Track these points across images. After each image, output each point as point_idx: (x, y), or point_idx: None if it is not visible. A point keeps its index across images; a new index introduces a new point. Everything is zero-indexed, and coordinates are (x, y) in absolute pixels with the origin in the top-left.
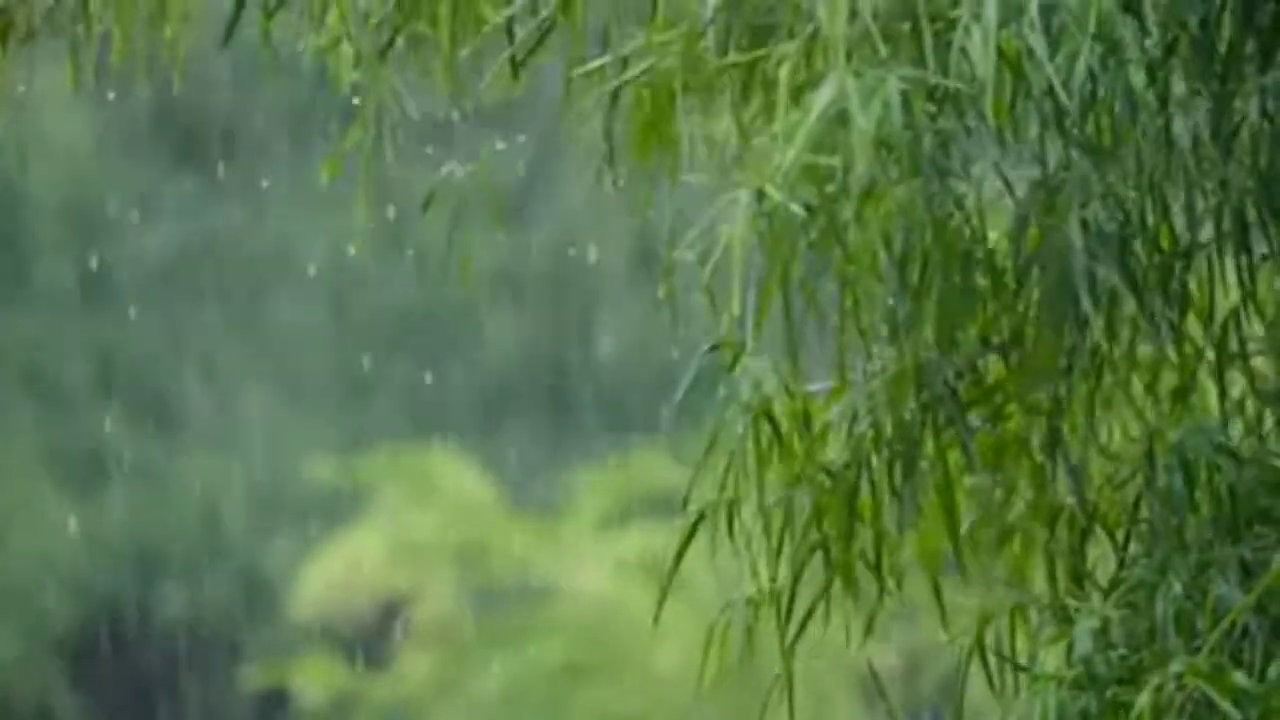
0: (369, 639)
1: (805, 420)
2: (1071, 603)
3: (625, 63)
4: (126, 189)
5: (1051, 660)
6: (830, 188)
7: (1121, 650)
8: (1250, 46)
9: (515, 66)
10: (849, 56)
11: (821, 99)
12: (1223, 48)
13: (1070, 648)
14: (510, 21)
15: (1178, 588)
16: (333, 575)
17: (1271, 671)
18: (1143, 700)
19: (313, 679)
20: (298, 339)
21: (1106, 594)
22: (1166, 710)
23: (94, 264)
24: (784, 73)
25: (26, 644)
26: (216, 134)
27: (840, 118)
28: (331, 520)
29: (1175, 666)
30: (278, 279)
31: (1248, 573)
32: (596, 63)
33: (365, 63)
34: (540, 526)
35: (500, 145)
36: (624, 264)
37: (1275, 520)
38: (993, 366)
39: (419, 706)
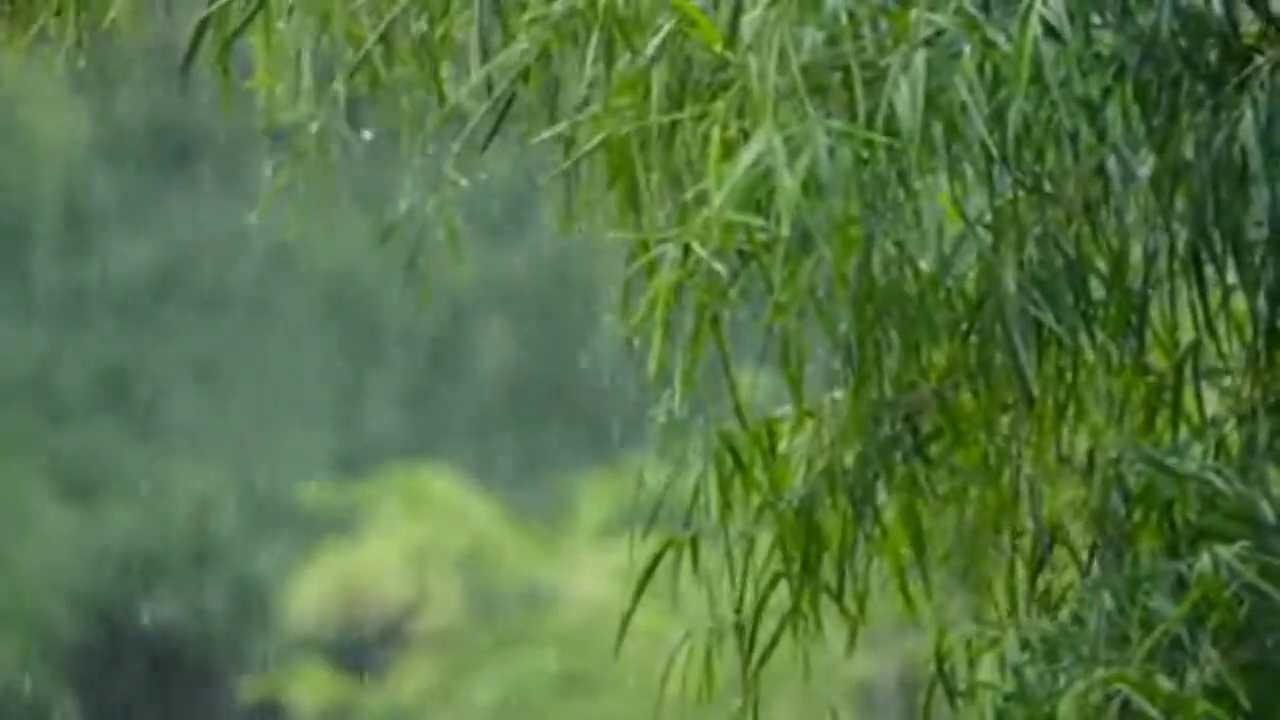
0: (364, 649)
1: (767, 455)
2: (1019, 620)
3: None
4: (122, 196)
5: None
6: (763, 237)
7: (1065, 662)
8: (1197, 87)
9: (485, 141)
10: (779, 109)
11: (748, 154)
12: (1165, 87)
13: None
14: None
15: (1110, 601)
16: (329, 586)
17: (1191, 678)
18: (1064, 707)
19: (308, 689)
20: (296, 349)
21: (1053, 609)
22: (1095, 718)
23: (91, 274)
24: (714, 131)
25: (25, 653)
26: (212, 141)
27: (768, 172)
28: (327, 531)
29: (1100, 673)
30: (276, 288)
31: (1185, 587)
32: (554, 129)
33: (312, 102)
34: (538, 536)
35: (463, 182)
36: (619, 272)
37: (1215, 536)
38: (951, 401)
39: (415, 716)
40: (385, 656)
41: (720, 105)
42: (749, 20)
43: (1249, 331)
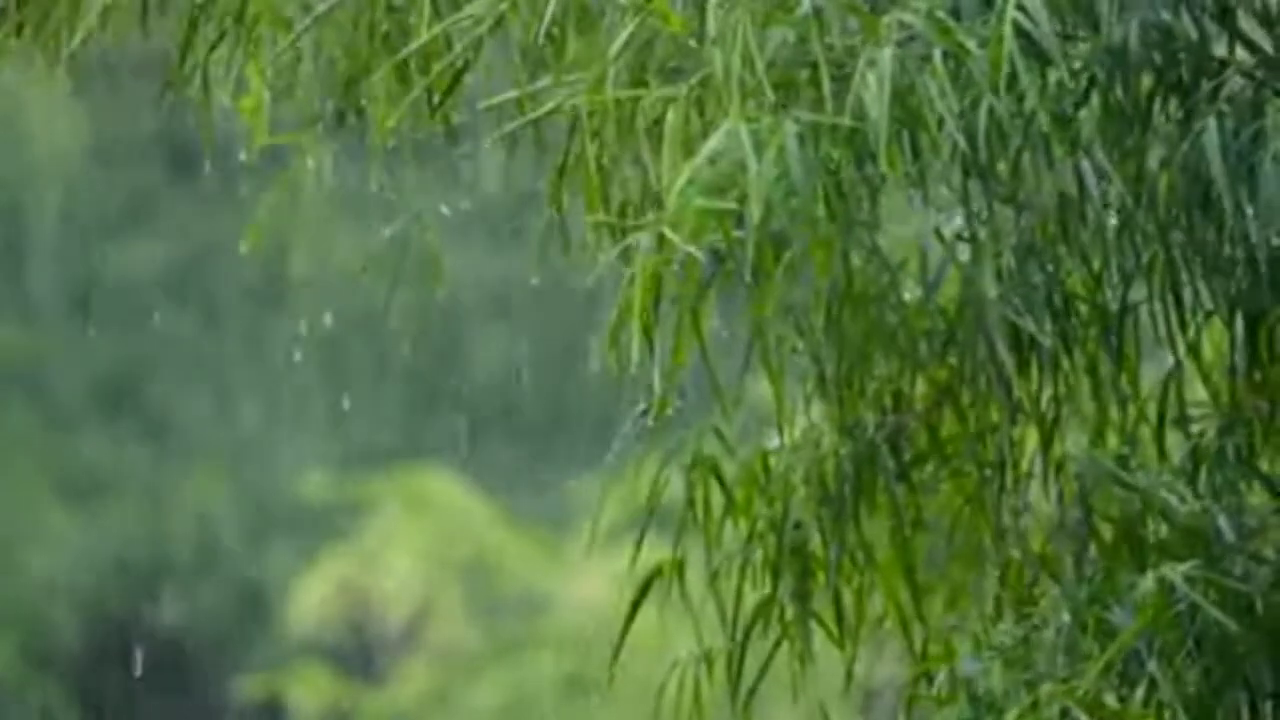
0: (365, 653)
1: (757, 480)
2: (978, 633)
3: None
4: (122, 201)
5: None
6: (738, 233)
7: (1026, 675)
8: (1169, 102)
9: (433, 109)
10: (746, 102)
11: (712, 144)
12: (1136, 101)
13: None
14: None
15: (1066, 616)
16: (330, 590)
17: (1139, 693)
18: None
19: (308, 691)
20: (298, 352)
21: (1018, 623)
22: None
23: (92, 278)
24: (670, 117)
25: (27, 656)
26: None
27: (736, 164)
28: (329, 535)
29: (1047, 687)
30: (275, 294)
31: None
32: (499, 99)
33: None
34: (539, 540)
35: (444, 209)
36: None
37: (1170, 553)
38: (938, 419)
39: (415, 719)
40: (386, 660)
41: (681, 90)
42: (713, 10)
43: (1226, 347)
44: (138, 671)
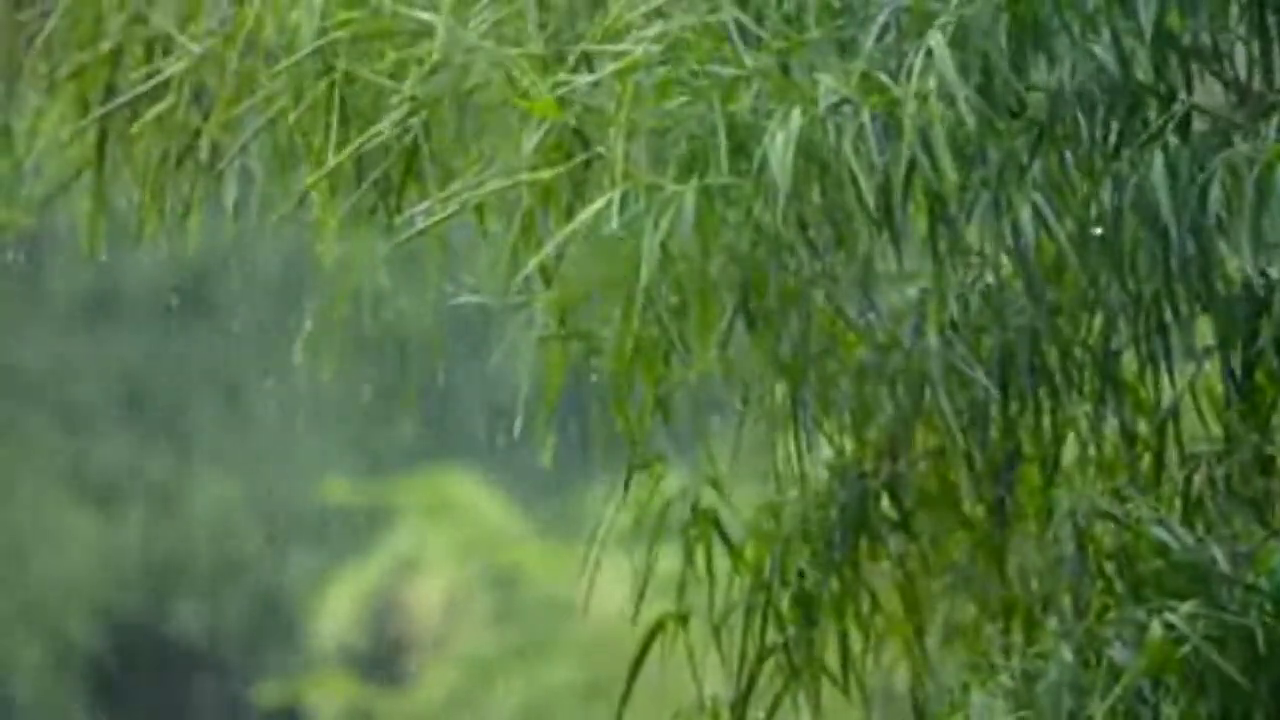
0: (385, 658)
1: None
2: (983, 675)
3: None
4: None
5: None
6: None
7: (1032, 714)
8: (1117, 138)
9: (390, 212)
10: (642, 173)
11: (590, 211)
12: (1080, 140)
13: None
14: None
15: (1068, 654)
16: (350, 594)
17: None
18: None
19: (328, 697)
20: (316, 359)
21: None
22: None
23: (111, 283)
24: (532, 196)
25: (45, 662)
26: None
27: (632, 232)
28: (348, 540)
29: None
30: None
31: (1143, 632)
32: (427, 203)
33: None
34: (563, 546)
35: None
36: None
37: (1165, 589)
38: (931, 470)
39: None
40: (408, 665)
41: (561, 170)
42: (608, 89)
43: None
44: (159, 677)
